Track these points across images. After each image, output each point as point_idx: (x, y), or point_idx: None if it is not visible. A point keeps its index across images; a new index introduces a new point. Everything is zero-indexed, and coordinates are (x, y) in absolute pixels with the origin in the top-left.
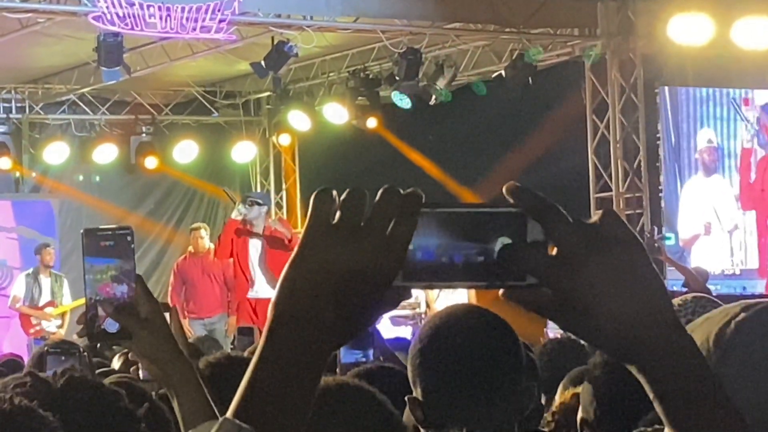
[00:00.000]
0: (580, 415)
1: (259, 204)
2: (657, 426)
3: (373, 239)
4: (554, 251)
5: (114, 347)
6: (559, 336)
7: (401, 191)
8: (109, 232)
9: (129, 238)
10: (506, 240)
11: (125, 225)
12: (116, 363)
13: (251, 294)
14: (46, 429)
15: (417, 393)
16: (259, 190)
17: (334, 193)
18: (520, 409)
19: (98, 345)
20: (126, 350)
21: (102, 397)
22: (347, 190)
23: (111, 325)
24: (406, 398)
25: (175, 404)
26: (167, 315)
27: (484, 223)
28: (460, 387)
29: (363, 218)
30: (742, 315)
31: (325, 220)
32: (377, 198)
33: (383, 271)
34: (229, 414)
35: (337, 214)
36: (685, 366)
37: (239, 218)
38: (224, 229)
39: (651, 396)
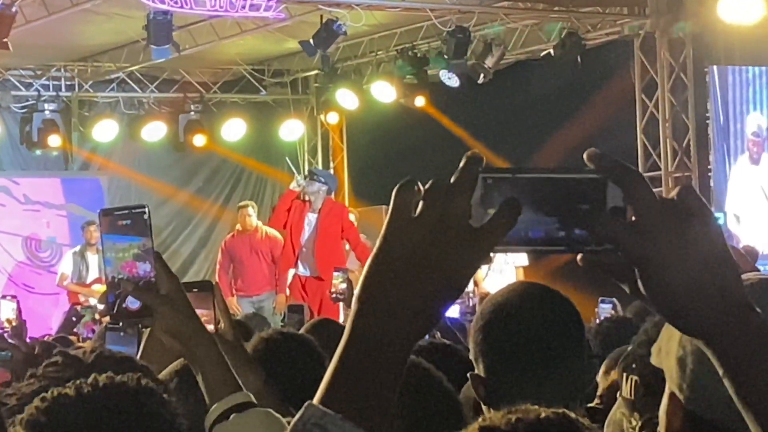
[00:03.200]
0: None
1: (320, 181)
2: None
3: (456, 230)
4: (633, 217)
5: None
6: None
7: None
8: (126, 211)
9: (145, 217)
10: (586, 208)
11: (141, 204)
12: None
13: (297, 270)
14: (165, 410)
15: (479, 370)
16: (306, 168)
17: (418, 185)
18: (582, 385)
19: (120, 323)
20: None
21: (131, 371)
22: (430, 181)
23: (132, 303)
24: (468, 375)
25: (199, 378)
26: (213, 294)
27: (564, 189)
28: (523, 363)
29: (445, 209)
30: None
31: (407, 213)
32: (452, 186)
33: (467, 262)
34: (315, 400)
35: (420, 205)
36: (756, 345)
37: (297, 189)
38: (281, 199)
39: (720, 372)
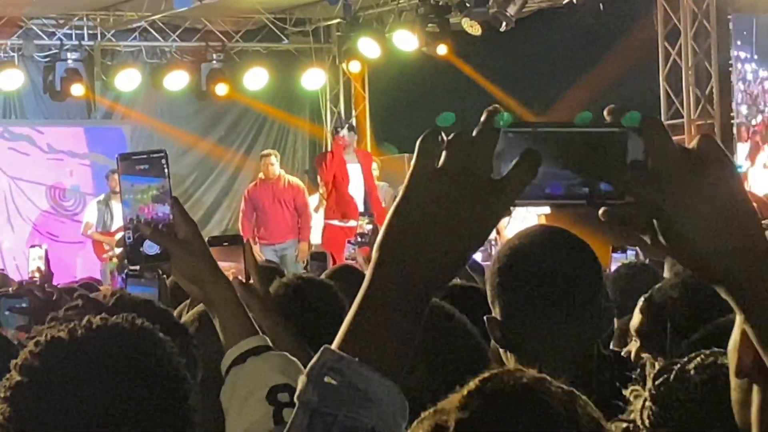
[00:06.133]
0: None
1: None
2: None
3: (478, 182)
4: (652, 166)
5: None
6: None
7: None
8: (144, 156)
9: (163, 161)
10: (606, 161)
11: (159, 149)
12: None
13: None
14: (161, 350)
15: (496, 313)
16: (329, 117)
17: (442, 135)
18: (599, 329)
19: (138, 268)
20: None
21: (151, 313)
22: (453, 133)
23: (150, 248)
24: (485, 318)
25: (216, 322)
26: (242, 249)
27: (585, 143)
28: (539, 306)
29: (467, 161)
30: None
31: (430, 164)
32: (474, 139)
33: (487, 214)
34: (333, 345)
35: (443, 156)
36: None
37: (345, 136)
38: (334, 153)
39: (741, 318)
